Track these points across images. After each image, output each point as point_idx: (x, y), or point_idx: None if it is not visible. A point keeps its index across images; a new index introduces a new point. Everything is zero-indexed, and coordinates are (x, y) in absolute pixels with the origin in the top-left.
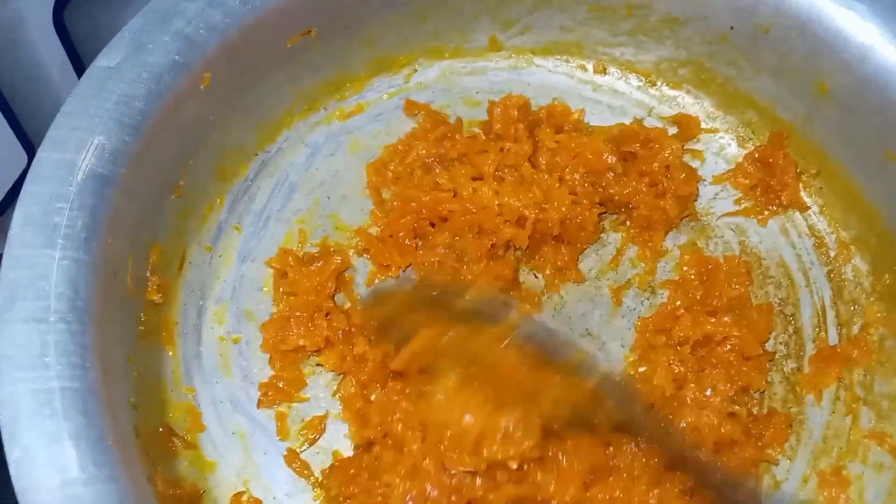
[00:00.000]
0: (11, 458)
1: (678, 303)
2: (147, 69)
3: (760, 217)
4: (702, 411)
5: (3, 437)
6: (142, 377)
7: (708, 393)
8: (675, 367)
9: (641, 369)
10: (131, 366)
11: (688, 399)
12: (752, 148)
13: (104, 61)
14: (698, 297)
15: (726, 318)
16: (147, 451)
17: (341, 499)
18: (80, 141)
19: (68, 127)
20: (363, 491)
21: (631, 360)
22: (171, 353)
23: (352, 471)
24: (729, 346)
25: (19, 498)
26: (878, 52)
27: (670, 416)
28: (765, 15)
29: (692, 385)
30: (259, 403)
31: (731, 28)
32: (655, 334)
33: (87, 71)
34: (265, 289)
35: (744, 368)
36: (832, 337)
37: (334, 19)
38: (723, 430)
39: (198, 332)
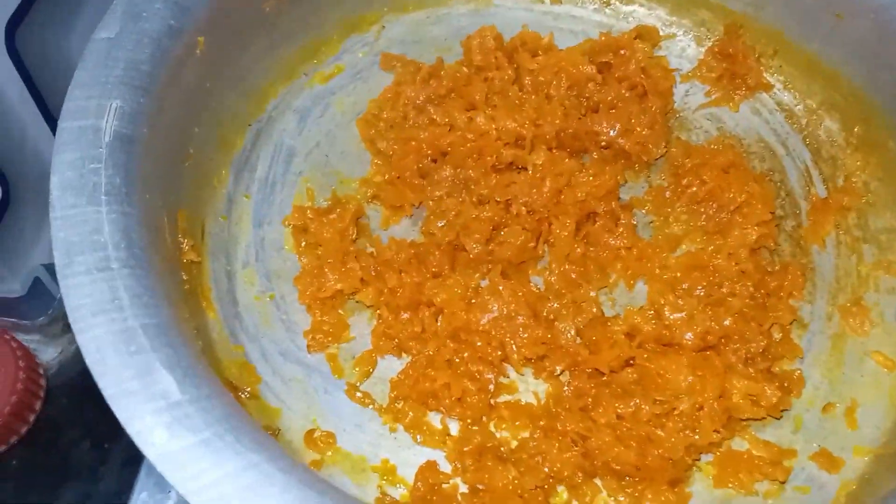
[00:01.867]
0: (107, 393)
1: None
2: (147, 35)
3: (732, 103)
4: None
5: (95, 378)
6: (198, 331)
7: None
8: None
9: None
10: (189, 320)
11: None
12: (711, 43)
13: (103, 33)
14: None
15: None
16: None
17: (398, 404)
18: (99, 107)
19: (83, 97)
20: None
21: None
22: (212, 317)
23: (403, 378)
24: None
25: (126, 428)
26: None
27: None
28: None
29: (711, 248)
30: (308, 349)
31: None
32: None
33: (88, 45)
34: (286, 247)
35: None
36: (821, 192)
37: None
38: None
39: (232, 295)
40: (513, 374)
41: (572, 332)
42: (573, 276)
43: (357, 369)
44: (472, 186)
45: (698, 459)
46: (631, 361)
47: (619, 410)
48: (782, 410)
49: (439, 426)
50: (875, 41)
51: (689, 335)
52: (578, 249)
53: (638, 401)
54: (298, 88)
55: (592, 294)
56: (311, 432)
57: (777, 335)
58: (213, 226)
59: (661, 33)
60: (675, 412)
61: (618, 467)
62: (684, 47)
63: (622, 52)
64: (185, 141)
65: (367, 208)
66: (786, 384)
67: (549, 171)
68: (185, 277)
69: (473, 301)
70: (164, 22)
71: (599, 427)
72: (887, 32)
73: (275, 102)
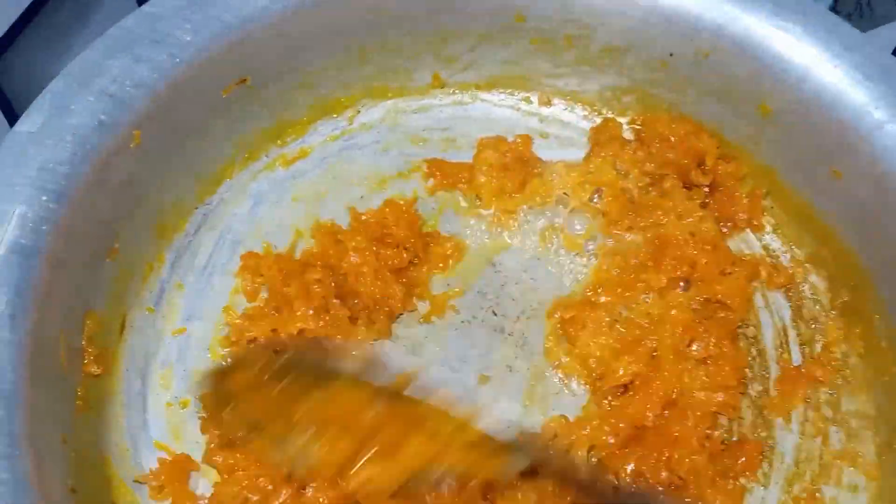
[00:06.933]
0: None
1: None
2: (71, 132)
3: None
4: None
5: None
6: (81, 456)
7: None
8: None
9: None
10: (68, 447)
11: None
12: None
13: (24, 126)
14: None
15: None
16: None
17: None
18: (0, 213)
19: None
20: None
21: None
22: (114, 425)
23: None
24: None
25: None
26: (816, 73)
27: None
28: (704, 40)
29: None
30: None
31: (671, 55)
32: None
33: (5, 138)
34: (211, 349)
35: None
36: (795, 357)
37: (269, 66)
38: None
39: (143, 399)
40: None
41: None
42: None
43: None
44: None
45: None
46: None
47: None
48: None
49: None
50: (875, 208)
51: None
52: None
53: None
54: (257, 170)
55: None
56: None
57: None
58: (137, 319)
59: None
60: None
61: None
62: None
63: None
64: (110, 239)
65: None
66: None
67: None
68: (79, 393)
69: None
70: (94, 117)
71: None
72: (889, 203)
73: (229, 184)
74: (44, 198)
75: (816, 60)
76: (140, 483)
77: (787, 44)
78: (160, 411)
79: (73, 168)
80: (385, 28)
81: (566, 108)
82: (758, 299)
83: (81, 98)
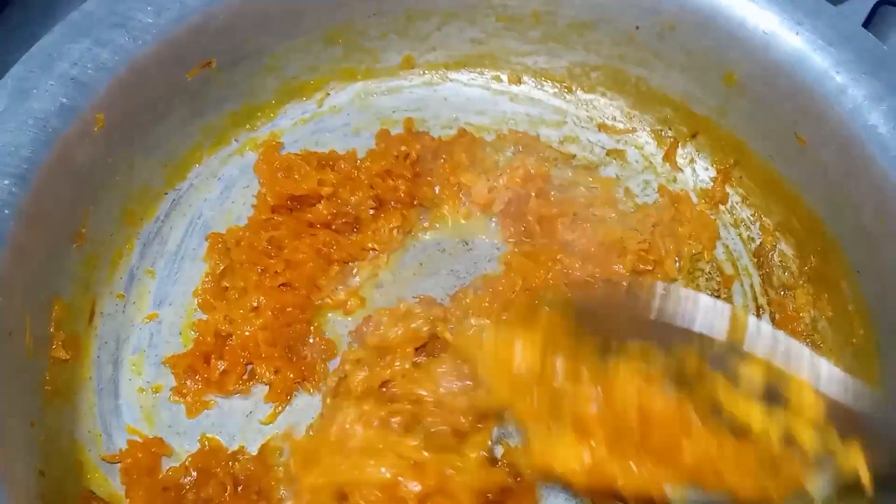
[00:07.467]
0: None
1: None
2: (32, 116)
3: None
4: None
5: None
6: (51, 441)
7: None
8: None
9: None
10: (37, 431)
11: None
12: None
13: None
14: None
15: None
16: None
17: None
18: None
19: None
20: None
21: None
22: (86, 411)
23: None
24: None
25: None
26: (781, 39)
27: None
28: (668, 12)
29: None
30: None
31: (637, 28)
32: None
33: None
34: (182, 334)
35: None
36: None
37: (235, 49)
38: None
39: (115, 385)
40: None
41: None
42: None
43: None
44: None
45: None
46: None
47: None
48: None
49: None
50: (839, 174)
51: None
52: None
53: None
54: (226, 155)
55: None
56: None
57: None
58: (107, 305)
59: (621, 126)
60: None
61: None
62: (642, 144)
63: None
64: (76, 223)
65: None
66: None
67: None
68: (48, 377)
69: None
70: (55, 101)
71: None
72: (853, 167)
73: (199, 169)
74: (5, 182)
75: (779, 26)
76: (109, 462)
77: (750, 11)
78: (133, 396)
79: (34, 152)
80: (350, 8)
81: (536, 86)
82: (728, 268)
83: (43, 82)
